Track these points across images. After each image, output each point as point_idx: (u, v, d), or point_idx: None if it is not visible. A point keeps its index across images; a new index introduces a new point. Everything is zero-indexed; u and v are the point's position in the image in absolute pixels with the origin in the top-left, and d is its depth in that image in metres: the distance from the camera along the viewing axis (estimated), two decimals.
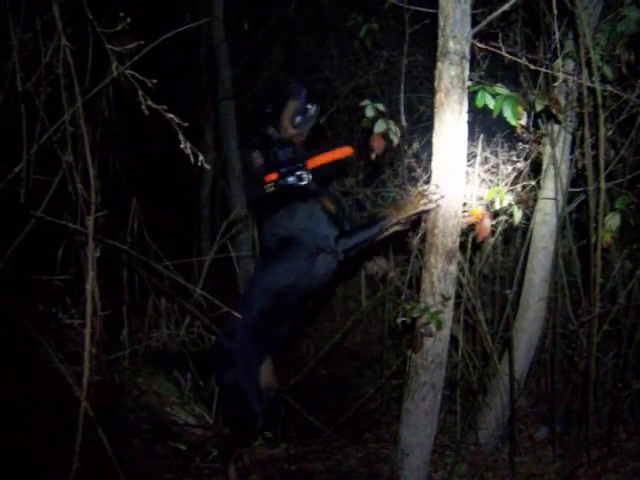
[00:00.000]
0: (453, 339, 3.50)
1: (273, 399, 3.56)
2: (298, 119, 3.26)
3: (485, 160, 3.66)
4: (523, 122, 2.88)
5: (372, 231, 3.07)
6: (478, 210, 3.05)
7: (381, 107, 3.36)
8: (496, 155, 3.92)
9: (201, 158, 2.32)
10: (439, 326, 2.88)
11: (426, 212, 2.93)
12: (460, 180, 2.83)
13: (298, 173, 3.20)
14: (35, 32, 2.84)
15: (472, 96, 2.78)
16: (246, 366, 3.28)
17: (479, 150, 3.66)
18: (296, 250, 3.15)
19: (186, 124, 2.29)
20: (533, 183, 3.56)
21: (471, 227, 3.17)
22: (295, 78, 3.47)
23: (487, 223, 3.05)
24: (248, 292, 3.43)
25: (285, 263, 3.19)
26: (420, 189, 2.92)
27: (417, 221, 3.19)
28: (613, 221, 3.08)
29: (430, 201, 2.84)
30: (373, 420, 4.33)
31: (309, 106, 3.26)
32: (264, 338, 3.33)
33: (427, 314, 2.87)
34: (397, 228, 3.12)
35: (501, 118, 2.77)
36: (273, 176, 3.23)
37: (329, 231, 3.10)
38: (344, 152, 3.32)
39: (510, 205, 3.04)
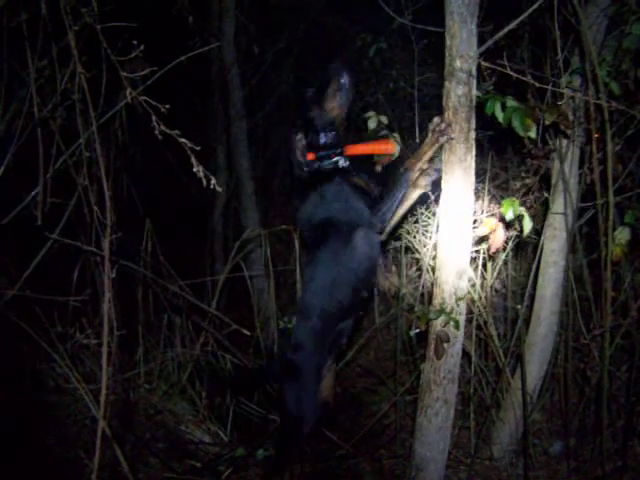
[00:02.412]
0: (465, 354, 3.51)
1: (323, 416, 3.52)
2: (340, 96, 3.17)
3: (495, 176, 3.69)
4: (532, 134, 2.90)
5: (400, 188, 2.97)
6: (492, 221, 3.06)
7: (384, 120, 3.42)
8: (506, 171, 3.95)
9: (213, 182, 2.34)
10: (457, 326, 2.88)
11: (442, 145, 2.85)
12: (470, 196, 2.86)
13: (335, 159, 3.14)
14: (51, 59, 2.91)
15: (480, 113, 2.82)
16: (309, 380, 3.18)
17: (489, 166, 3.70)
18: (333, 235, 3.06)
19: (198, 148, 2.32)
20: (543, 198, 3.58)
21: (482, 239, 3.19)
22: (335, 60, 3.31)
23: (500, 234, 3.06)
24: (302, 299, 3.30)
25: (327, 252, 3.09)
26: (430, 128, 2.86)
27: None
28: (623, 235, 3.09)
29: (441, 132, 2.79)
30: (388, 436, 4.33)
31: (343, 80, 3.16)
32: (328, 343, 3.20)
33: (444, 315, 2.87)
34: (423, 185, 2.99)
35: (510, 134, 2.80)
36: (311, 156, 3.17)
37: (359, 204, 3.04)
38: (385, 147, 3.23)
39: (522, 215, 3.03)
